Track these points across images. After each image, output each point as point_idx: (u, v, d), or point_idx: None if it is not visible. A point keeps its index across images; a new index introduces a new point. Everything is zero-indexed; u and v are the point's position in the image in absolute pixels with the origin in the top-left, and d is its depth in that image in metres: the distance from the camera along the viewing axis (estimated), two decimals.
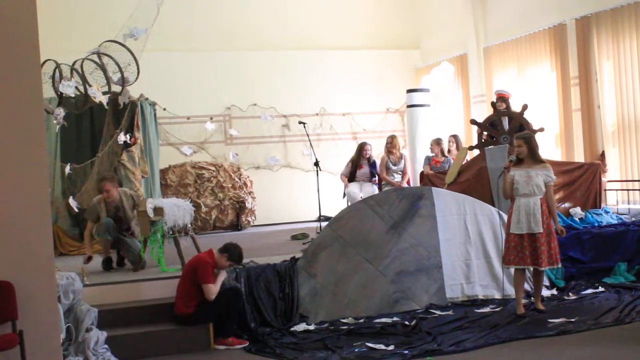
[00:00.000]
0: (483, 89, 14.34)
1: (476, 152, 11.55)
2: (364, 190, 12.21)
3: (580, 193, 10.53)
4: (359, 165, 12.58)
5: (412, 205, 8.92)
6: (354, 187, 12.38)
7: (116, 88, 9.31)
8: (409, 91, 14.32)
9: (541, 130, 10.64)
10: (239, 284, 8.04)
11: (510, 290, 8.58)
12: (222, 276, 7.64)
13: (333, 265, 8.54)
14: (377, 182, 12.63)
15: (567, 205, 10.46)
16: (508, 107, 11.15)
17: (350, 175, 12.59)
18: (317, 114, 15.83)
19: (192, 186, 13.65)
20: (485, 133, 11.24)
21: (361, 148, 12.69)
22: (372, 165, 12.61)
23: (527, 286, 8.66)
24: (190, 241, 9.29)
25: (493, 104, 11.17)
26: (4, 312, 5.41)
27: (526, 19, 13.20)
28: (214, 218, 13.74)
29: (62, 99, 9.15)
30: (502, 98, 11.21)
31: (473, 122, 11.44)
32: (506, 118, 11.04)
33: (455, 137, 13.16)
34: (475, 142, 11.62)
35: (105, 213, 9.21)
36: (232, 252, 7.69)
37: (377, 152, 14.04)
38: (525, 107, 10.84)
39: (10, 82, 5.43)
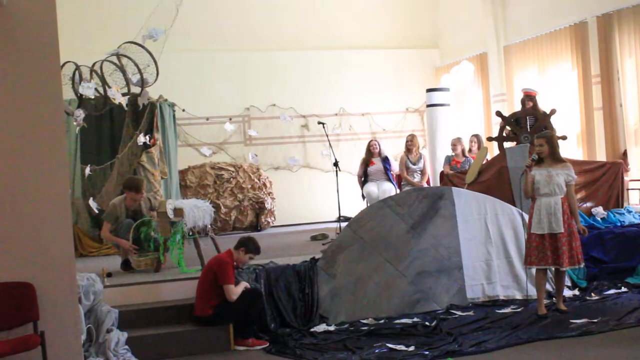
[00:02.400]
0: (503, 88, 14.29)
1: (495, 146, 11.46)
2: (381, 188, 12.22)
3: (602, 192, 10.44)
4: (369, 162, 12.63)
5: (432, 205, 8.89)
6: (371, 186, 12.39)
7: (135, 89, 9.34)
8: (429, 90, 14.28)
9: (563, 138, 10.43)
10: (259, 284, 8.05)
11: (532, 291, 8.54)
12: (243, 284, 7.66)
13: (353, 265, 8.54)
14: (393, 179, 12.62)
15: (589, 204, 10.38)
16: (535, 105, 11.04)
17: (364, 174, 12.63)
18: (336, 114, 15.84)
19: (212, 187, 13.69)
20: (507, 128, 11.17)
21: (368, 145, 12.82)
22: (385, 160, 12.63)
23: (548, 286, 8.62)
24: (210, 242, 9.33)
25: (522, 102, 11.11)
26: (25, 313, 5.45)
27: (547, 17, 13.13)
28: (233, 219, 13.78)
29: (81, 101, 9.18)
30: (529, 96, 11.13)
31: (499, 114, 11.31)
32: (532, 118, 10.96)
33: (476, 136, 13.09)
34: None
35: (124, 215, 9.27)
36: (248, 244, 7.73)
37: (395, 152, 14.04)
38: (553, 112, 10.72)
39: (30, 84, 5.47)
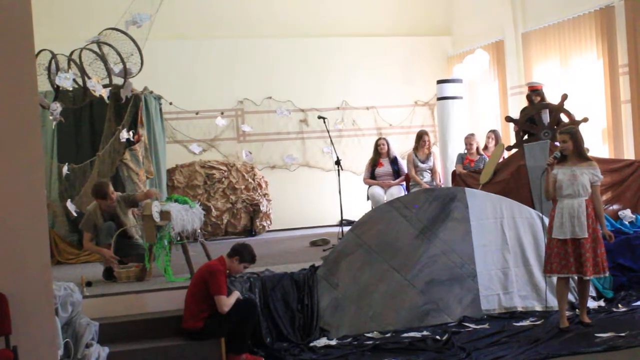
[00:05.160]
0: (522, 79, 14.24)
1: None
2: (389, 191, 12.22)
3: (631, 194, 10.43)
4: (377, 163, 12.62)
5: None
6: (377, 188, 12.38)
7: (118, 80, 9.34)
8: (440, 82, 14.27)
9: (585, 120, 10.55)
10: (254, 294, 8.05)
11: (553, 302, 8.54)
12: (236, 294, 7.65)
13: (357, 274, 8.54)
14: (403, 181, 12.62)
15: (615, 207, 10.37)
16: (543, 99, 11.09)
17: (372, 176, 12.62)
18: (338, 108, 15.81)
19: (202, 188, 13.67)
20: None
21: (375, 144, 12.87)
22: (394, 161, 12.61)
23: (571, 297, 8.61)
24: (200, 248, 9.32)
25: (528, 98, 11.13)
26: None
27: (569, 1, 13.09)
28: (225, 222, 13.77)
29: (58, 93, 9.20)
30: (535, 91, 11.18)
31: (509, 119, 11.38)
32: (545, 111, 10.95)
33: (494, 132, 13.10)
34: (512, 140, 11.56)
35: (101, 220, 9.26)
36: (243, 252, 7.70)
37: (403, 150, 14.01)
38: (564, 97, 10.75)
39: (1, 75, 5.45)
